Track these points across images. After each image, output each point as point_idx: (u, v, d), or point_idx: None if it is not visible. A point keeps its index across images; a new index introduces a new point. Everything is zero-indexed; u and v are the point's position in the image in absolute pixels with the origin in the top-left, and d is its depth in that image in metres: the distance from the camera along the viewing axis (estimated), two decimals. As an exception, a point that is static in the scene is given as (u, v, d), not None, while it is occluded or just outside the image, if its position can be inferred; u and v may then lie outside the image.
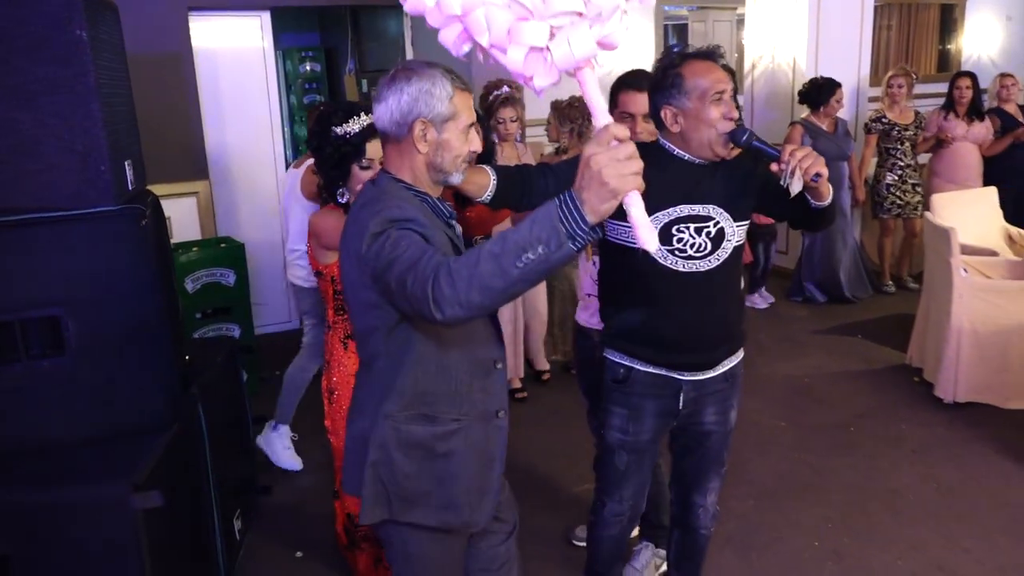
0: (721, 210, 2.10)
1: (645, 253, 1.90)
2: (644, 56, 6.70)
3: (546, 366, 4.58)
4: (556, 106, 4.10)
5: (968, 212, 4.98)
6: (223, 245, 4.63)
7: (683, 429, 2.30)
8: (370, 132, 2.39)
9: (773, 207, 2.21)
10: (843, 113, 5.63)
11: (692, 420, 2.26)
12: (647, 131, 2.41)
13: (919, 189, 5.76)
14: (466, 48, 1.35)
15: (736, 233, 2.13)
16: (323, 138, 2.44)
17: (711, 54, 2.06)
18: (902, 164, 5.72)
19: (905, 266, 6.12)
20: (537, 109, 5.26)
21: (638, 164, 1.24)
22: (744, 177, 2.13)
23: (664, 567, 2.80)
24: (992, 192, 5.15)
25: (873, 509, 3.21)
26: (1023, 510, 3.17)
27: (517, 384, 4.35)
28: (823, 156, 5.87)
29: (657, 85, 2.07)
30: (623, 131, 1.25)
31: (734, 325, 2.24)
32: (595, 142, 1.26)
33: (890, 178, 5.75)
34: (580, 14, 1.24)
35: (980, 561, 2.87)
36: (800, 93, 5.54)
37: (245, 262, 4.52)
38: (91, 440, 2.28)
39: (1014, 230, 4.94)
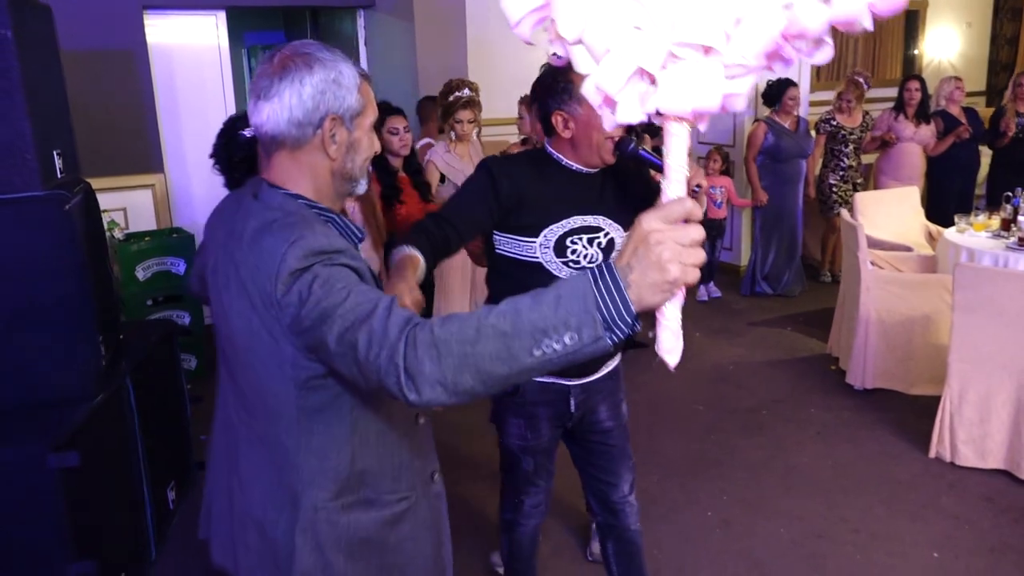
0: (610, 221, 2.12)
1: (538, 265, 2.03)
2: None
3: None
4: (527, 101, 4.27)
5: (890, 210, 5.25)
6: (175, 235, 4.82)
7: (580, 431, 2.30)
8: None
9: None
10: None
11: (587, 420, 2.27)
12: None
13: (860, 188, 6.01)
14: (528, 30, 1.04)
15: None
16: (232, 144, 2.33)
17: None
18: (844, 165, 5.97)
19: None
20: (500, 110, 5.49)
21: (702, 254, 0.99)
22: (628, 185, 2.17)
23: None
24: (914, 191, 5.42)
25: (768, 484, 3.44)
26: (905, 485, 3.41)
27: None
28: (785, 152, 6.13)
29: (549, 89, 2.05)
30: (697, 210, 0.99)
31: None
32: (660, 216, 0.98)
33: (833, 178, 5.99)
34: (708, 49, 0.93)
35: (856, 530, 3.10)
36: (763, 93, 5.75)
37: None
38: (16, 407, 2.46)
39: (934, 228, 5.19)
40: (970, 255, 4.08)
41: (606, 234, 2.12)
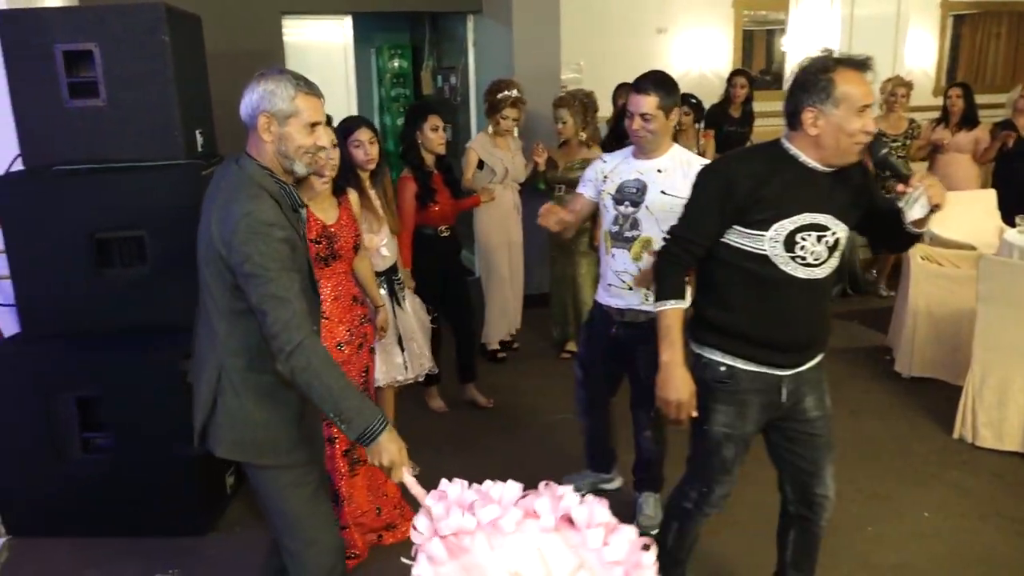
0: (839, 221, 2.14)
1: (764, 258, 2.11)
2: (722, 61, 7.27)
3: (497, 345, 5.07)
4: (569, 102, 4.68)
5: (962, 212, 5.36)
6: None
7: (786, 421, 2.32)
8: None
9: (867, 221, 2.25)
10: None
11: (795, 411, 2.30)
12: (644, 129, 2.82)
13: None
14: None
15: (845, 242, 2.20)
16: None
17: (864, 64, 2.06)
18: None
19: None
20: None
21: (417, 488, 1.80)
22: (855, 189, 2.18)
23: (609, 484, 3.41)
24: (989, 194, 5.50)
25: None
26: (920, 459, 3.68)
27: (496, 345, 5.01)
28: None
29: (804, 85, 2.06)
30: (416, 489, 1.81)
31: (828, 327, 2.33)
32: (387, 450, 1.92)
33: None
34: None
35: (860, 490, 3.42)
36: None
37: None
38: (158, 328, 3.16)
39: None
40: (1022, 254, 4.24)
41: (833, 233, 2.14)
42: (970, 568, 2.93)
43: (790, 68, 6.70)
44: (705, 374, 2.27)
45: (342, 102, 6.22)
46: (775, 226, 2.10)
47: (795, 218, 2.09)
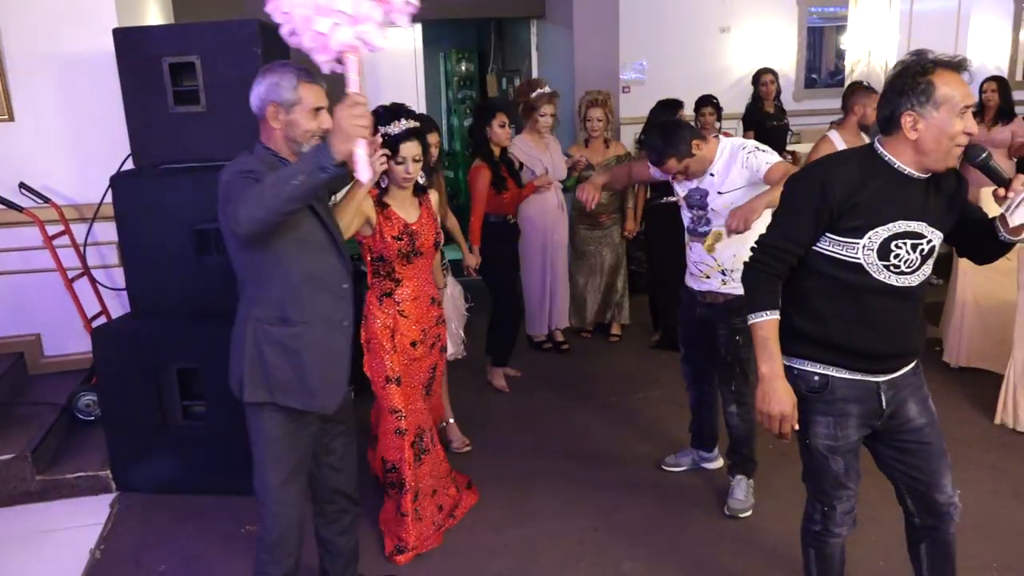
0: (934, 229, 2.09)
1: (858, 266, 2.06)
2: (787, 57, 7.39)
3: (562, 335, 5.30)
4: (603, 102, 4.93)
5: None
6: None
7: (890, 431, 2.25)
8: (406, 135, 2.90)
9: (959, 229, 2.19)
10: None
11: (899, 419, 2.22)
12: (683, 177, 3.10)
13: None
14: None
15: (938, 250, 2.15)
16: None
17: (961, 65, 2.01)
18: None
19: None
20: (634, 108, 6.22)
21: (367, 119, 1.87)
22: (950, 196, 2.12)
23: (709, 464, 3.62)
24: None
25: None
26: (957, 441, 3.75)
27: (560, 337, 5.26)
28: None
29: (902, 89, 1.99)
30: (360, 97, 1.88)
31: (923, 333, 2.27)
32: (340, 104, 1.87)
33: None
34: (346, 13, 1.86)
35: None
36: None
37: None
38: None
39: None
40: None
41: (928, 241, 2.09)
42: (995, 541, 3.06)
43: (849, 65, 6.89)
44: (799, 385, 2.20)
45: (411, 105, 6.57)
46: (869, 233, 2.05)
47: (890, 225, 2.04)
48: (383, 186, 2.99)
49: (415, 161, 2.95)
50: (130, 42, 3.45)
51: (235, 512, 3.37)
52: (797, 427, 2.19)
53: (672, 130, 3.06)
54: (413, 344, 3.11)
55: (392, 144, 2.87)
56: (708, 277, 3.21)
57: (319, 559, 2.72)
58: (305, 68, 2.20)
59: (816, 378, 2.19)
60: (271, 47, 3.54)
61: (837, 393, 2.18)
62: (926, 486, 2.26)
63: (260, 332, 2.28)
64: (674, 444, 3.79)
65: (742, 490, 3.33)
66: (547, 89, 4.73)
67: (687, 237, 3.30)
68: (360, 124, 1.86)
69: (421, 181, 3.09)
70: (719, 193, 3.08)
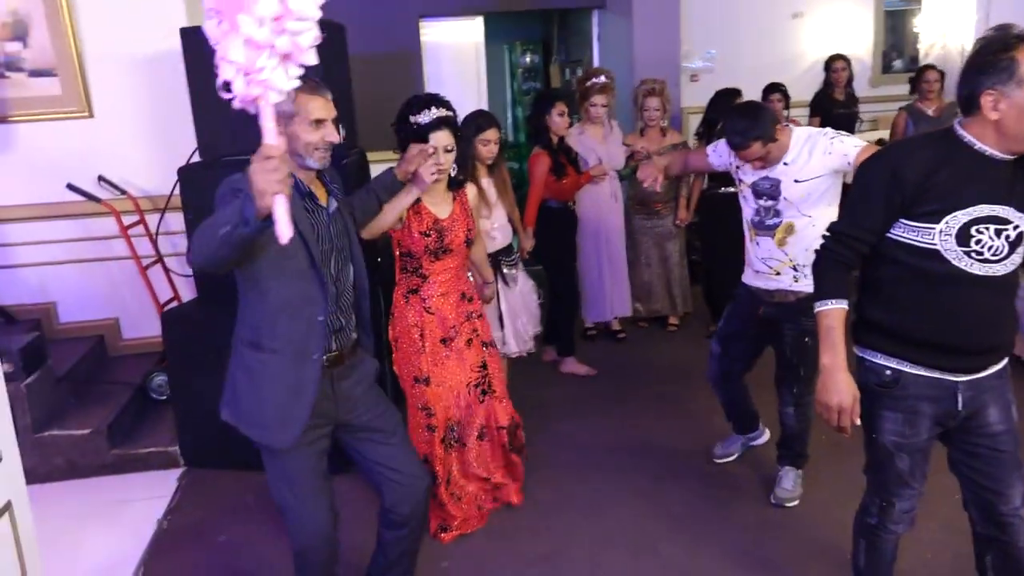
0: (1020, 213, 1.96)
1: (935, 252, 1.94)
2: (862, 42, 7.23)
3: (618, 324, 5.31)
4: (660, 91, 4.91)
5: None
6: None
7: (964, 433, 2.14)
8: (437, 123, 2.78)
9: None
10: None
11: (975, 422, 2.11)
12: (763, 164, 2.91)
13: None
14: None
15: None
16: (400, 123, 2.89)
17: None
18: None
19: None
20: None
21: (281, 173, 1.64)
22: None
23: (759, 440, 3.59)
24: None
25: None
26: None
27: (617, 326, 5.28)
28: None
29: (982, 67, 1.88)
30: (273, 150, 1.65)
31: (1012, 329, 2.13)
32: (255, 156, 1.66)
33: None
34: (239, 63, 1.65)
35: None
36: (909, 81, 5.86)
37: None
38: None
39: None
40: None
41: (1015, 227, 1.97)
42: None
43: (923, 49, 6.65)
44: (869, 379, 2.13)
45: (473, 96, 6.69)
46: (947, 218, 1.94)
47: (969, 210, 1.93)
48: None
49: (446, 151, 2.86)
50: (196, 41, 3.62)
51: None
52: (858, 422, 2.09)
53: (757, 112, 2.88)
54: (443, 341, 3.05)
55: (422, 133, 2.80)
56: (779, 274, 3.04)
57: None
58: (310, 76, 2.04)
59: (888, 372, 2.10)
60: (327, 41, 3.66)
61: (909, 390, 2.08)
62: (992, 494, 2.14)
63: (238, 353, 2.25)
64: (725, 433, 3.77)
65: (790, 480, 3.30)
66: (601, 79, 4.73)
67: (750, 232, 3.12)
68: (273, 179, 1.65)
69: (454, 174, 3.01)
70: (796, 181, 2.90)
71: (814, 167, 2.88)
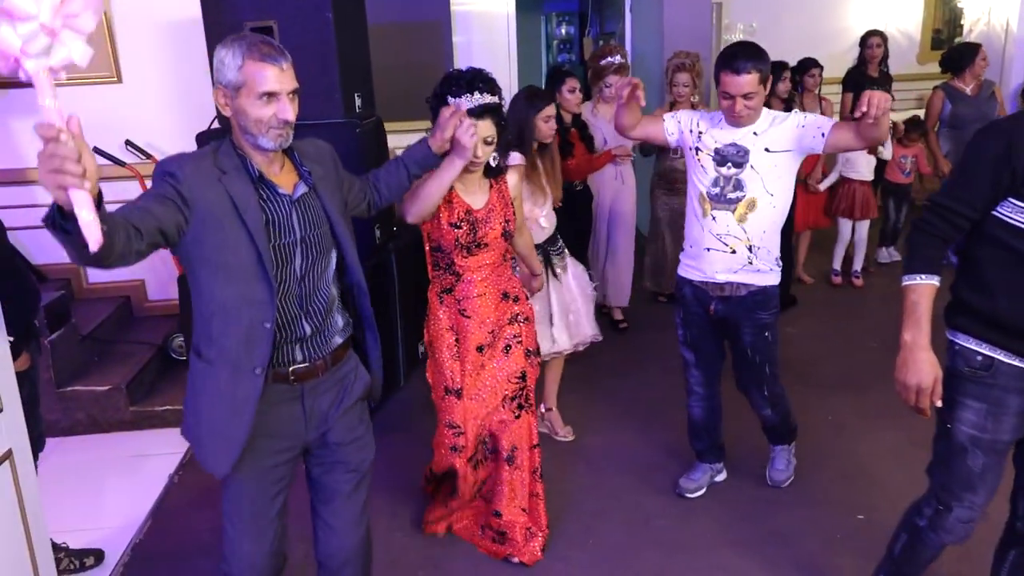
0: None
1: None
2: (911, 17, 7.07)
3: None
4: (690, 66, 4.73)
5: None
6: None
7: None
8: (479, 111, 2.45)
9: None
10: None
11: None
12: (746, 109, 2.65)
13: None
14: None
15: None
16: (436, 102, 2.51)
17: None
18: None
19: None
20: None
21: (68, 161, 1.29)
22: None
23: (719, 476, 3.30)
24: None
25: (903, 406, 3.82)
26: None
27: (618, 316, 5.05)
28: (963, 119, 5.83)
29: None
30: (48, 130, 1.29)
31: None
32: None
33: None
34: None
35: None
36: (941, 59, 5.70)
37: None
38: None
39: None
40: None
41: None
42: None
43: (967, 25, 6.49)
44: (957, 363, 2.01)
45: (504, 69, 6.66)
46: None
47: None
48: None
49: (486, 144, 2.55)
50: (215, 7, 3.69)
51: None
52: (939, 403, 1.97)
53: (761, 50, 2.69)
54: (479, 349, 2.73)
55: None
56: (734, 252, 2.81)
57: None
58: (263, 41, 1.82)
59: (979, 358, 1.96)
60: (344, 10, 3.70)
61: (999, 379, 1.94)
62: None
63: (191, 360, 1.97)
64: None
65: (783, 459, 3.27)
66: (617, 59, 4.55)
67: (702, 206, 2.83)
68: (56, 169, 1.30)
69: (494, 164, 2.68)
70: (766, 151, 2.74)
71: (785, 139, 2.73)
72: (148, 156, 4.39)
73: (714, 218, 2.82)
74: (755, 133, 2.77)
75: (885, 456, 3.44)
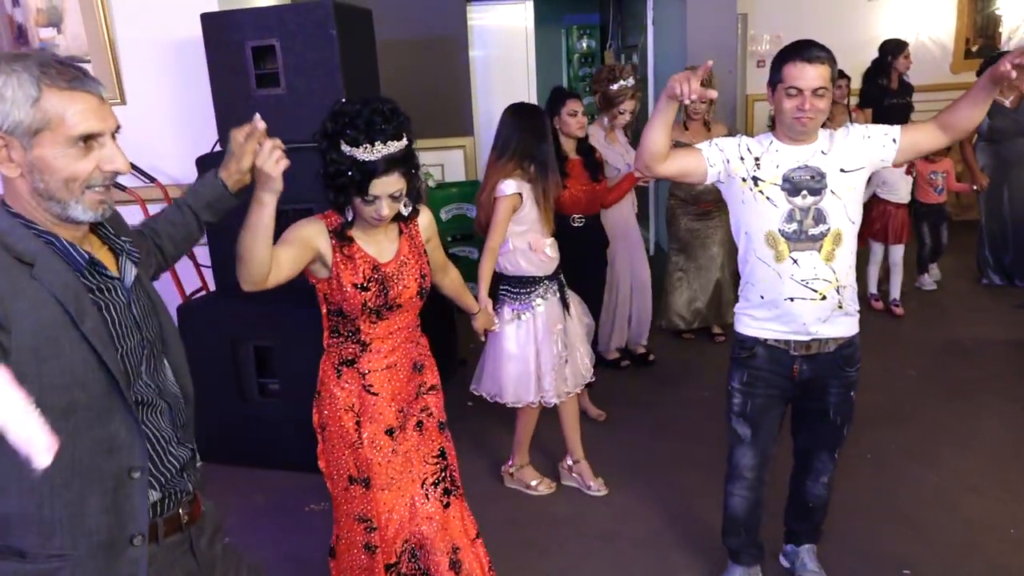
0: None
1: None
2: (944, 25, 6.90)
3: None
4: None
5: None
6: (474, 187, 5.93)
7: None
8: (383, 166, 1.96)
9: None
10: None
11: None
12: (815, 109, 2.22)
13: None
14: None
15: None
16: (330, 146, 2.01)
17: None
18: None
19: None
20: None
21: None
22: None
23: None
24: None
25: (945, 441, 3.55)
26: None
27: (642, 350, 4.70)
28: (1000, 132, 5.63)
29: None
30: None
31: None
32: None
33: None
34: None
35: (1011, 489, 3.20)
36: (979, 69, 5.45)
37: (486, 200, 5.78)
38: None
39: None
40: None
41: None
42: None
43: (1006, 32, 6.32)
44: None
45: (522, 83, 6.50)
46: None
47: None
48: (348, 218, 2.09)
49: (393, 199, 2.05)
50: (216, 27, 3.54)
51: (302, 490, 3.44)
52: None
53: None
54: (389, 432, 2.22)
55: (362, 176, 1.98)
56: (824, 298, 2.34)
57: None
58: (59, 60, 1.27)
59: None
60: (349, 26, 3.54)
61: None
62: None
63: None
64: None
65: (814, 561, 2.78)
66: (631, 81, 4.09)
67: (775, 251, 2.34)
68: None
69: (405, 213, 2.16)
70: (842, 171, 2.29)
71: (857, 155, 2.32)
72: (152, 179, 4.25)
73: (795, 261, 2.33)
74: (823, 152, 2.32)
75: (930, 500, 3.18)
